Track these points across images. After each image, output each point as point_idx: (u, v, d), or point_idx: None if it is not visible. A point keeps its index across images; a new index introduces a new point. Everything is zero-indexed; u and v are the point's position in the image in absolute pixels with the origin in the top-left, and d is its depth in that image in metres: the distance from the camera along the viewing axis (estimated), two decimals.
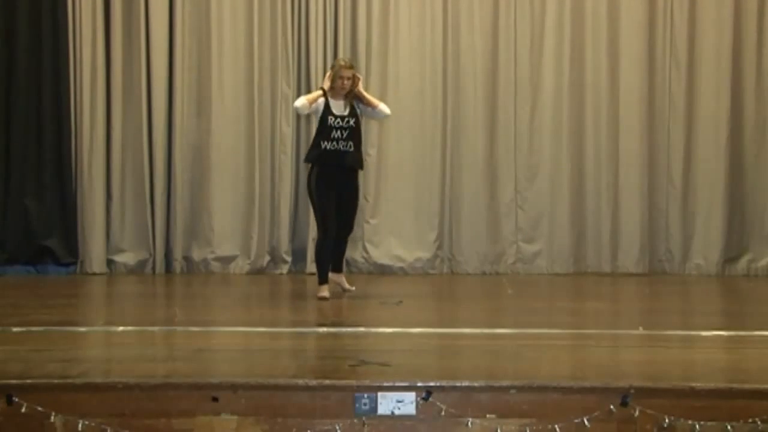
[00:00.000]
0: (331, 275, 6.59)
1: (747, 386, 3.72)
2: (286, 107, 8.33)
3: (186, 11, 8.30)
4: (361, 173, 6.82)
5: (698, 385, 3.70)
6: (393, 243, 8.36)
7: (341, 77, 6.42)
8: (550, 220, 8.46)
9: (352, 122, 6.46)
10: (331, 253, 6.56)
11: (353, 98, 6.51)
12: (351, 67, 6.57)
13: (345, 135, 6.42)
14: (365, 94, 6.64)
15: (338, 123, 6.43)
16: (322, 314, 6.08)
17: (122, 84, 8.29)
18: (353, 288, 6.74)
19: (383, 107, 6.63)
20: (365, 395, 3.65)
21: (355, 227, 8.31)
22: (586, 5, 8.44)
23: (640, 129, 8.44)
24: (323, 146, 6.42)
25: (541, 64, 8.45)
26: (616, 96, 8.44)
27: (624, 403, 3.62)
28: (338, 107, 6.47)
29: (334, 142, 6.41)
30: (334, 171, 6.42)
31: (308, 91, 8.31)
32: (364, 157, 8.38)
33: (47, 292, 7.17)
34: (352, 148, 6.45)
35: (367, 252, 8.35)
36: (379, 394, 3.66)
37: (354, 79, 6.47)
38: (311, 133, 8.37)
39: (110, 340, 5.04)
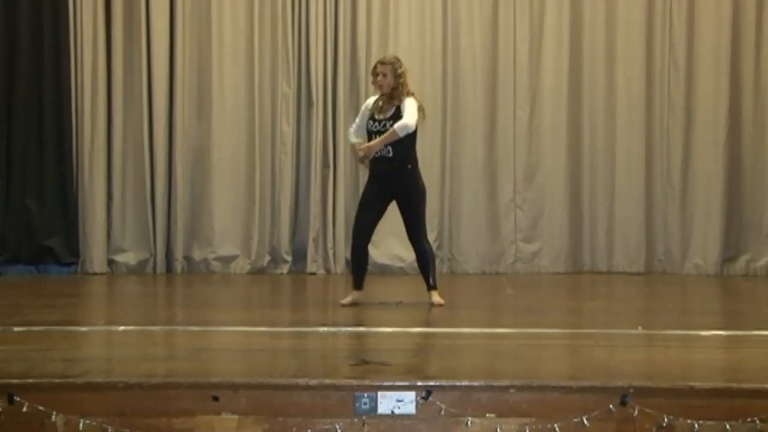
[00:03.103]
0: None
1: (746, 386, 3.73)
2: (286, 107, 8.35)
3: (186, 12, 8.32)
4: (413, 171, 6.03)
5: (697, 384, 3.71)
6: (393, 243, 8.36)
7: (373, 73, 6.00)
8: (549, 219, 8.48)
9: (389, 125, 5.86)
10: (361, 260, 6.13)
11: (399, 99, 5.92)
12: (385, 62, 6.03)
13: None
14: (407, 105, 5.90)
15: (376, 127, 5.93)
16: (322, 314, 6.09)
17: (123, 84, 8.31)
18: (441, 302, 6.12)
19: (399, 124, 5.81)
20: (365, 394, 3.66)
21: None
22: (585, 6, 8.46)
23: (639, 129, 8.46)
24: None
25: (540, 65, 8.47)
26: (615, 96, 8.46)
27: (623, 403, 3.63)
28: (382, 110, 5.98)
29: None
30: (378, 179, 6.04)
31: (308, 91, 8.36)
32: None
33: (48, 291, 7.19)
34: (390, 153, 5.89)
35: None
36: (379, 393, 3.67)
37: (394, 77, 5.91)
38: (311, 133, 8.44)
39: (111, 339, 5.05)
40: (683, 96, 8.46)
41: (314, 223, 8.34)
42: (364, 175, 8.36)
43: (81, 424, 3.61)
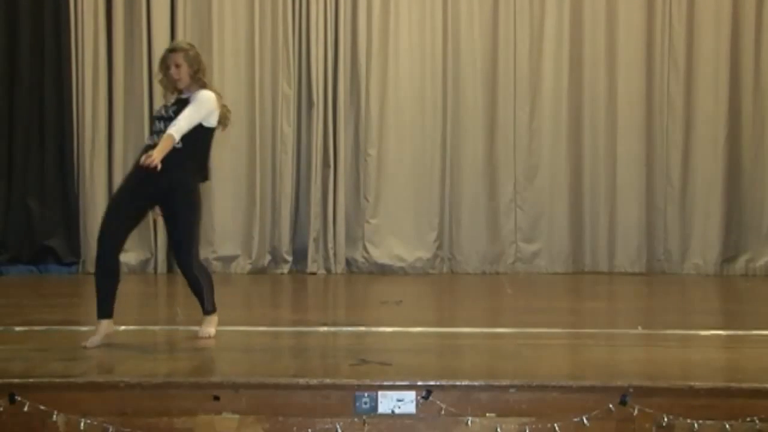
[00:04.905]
0: None
1: (745, 385, 3.74)
2: (287, 107, 8.35)
3: (187, 13, 8.31)
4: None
5: (697, 384, 3.72)
6: (393, 243, 8.37)
7: (163, 66, 4.71)
8: (550, 219, 8.48)
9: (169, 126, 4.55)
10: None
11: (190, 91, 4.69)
12: (177, 48, 4.72)
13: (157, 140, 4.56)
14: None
15: (158, 126, 4.66)
16: (322, 313, 6.10)
17: (124, 84, 8.30)
18: (210, 333, 4.78)
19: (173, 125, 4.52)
20: (366, 394, 3.67)
21: (356, 227, 8.44)
22: (585, 7, 8.45)
23: (639, 129, 8.46)
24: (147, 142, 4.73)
25: (540, 65, 8.47)
26: (615, 96, 8.45)
27: (623, 402, 3.64)
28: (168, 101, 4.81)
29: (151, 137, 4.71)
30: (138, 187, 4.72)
31: (309, 91, 8.37)
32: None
33: (49, 291, 7.20)
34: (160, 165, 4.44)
35: (367, 252, 8.36)
36: (380, 393, 3.69)
37: (191, 65, 4.63)
38: (312, 133, 8.43)
39: (112, 339, 5.06)
40: (683, 96, 8.45)
41: (315, 223, 8.34)
42: (364, 175, 8.46)
43: (82, 424, 3.63)
